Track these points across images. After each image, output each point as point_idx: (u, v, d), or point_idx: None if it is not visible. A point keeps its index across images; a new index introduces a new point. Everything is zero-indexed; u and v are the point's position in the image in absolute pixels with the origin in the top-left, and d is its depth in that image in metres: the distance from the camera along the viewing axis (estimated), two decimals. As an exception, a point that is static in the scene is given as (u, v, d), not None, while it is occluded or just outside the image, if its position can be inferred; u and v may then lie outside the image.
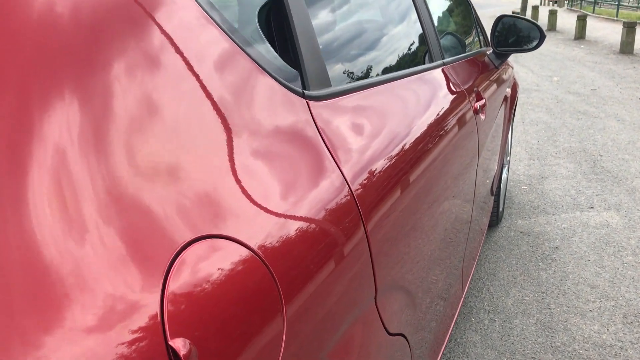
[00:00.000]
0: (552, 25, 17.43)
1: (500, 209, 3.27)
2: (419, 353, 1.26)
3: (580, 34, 14.45)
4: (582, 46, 12.97)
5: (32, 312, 0.42)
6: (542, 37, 2.37)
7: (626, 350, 2.16)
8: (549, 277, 2.74)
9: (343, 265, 0.80)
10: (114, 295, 0.47)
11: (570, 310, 2.44)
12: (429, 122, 1.30)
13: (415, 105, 1.30)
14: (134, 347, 0.47)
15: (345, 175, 0.87)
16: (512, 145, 4.94)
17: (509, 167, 3.55)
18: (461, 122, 1.56)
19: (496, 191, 2.93)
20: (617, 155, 4.64)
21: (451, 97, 1.56)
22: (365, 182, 0.92)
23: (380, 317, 0.92)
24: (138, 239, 0.51)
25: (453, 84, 1.65)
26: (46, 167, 0.47)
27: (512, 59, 9.39)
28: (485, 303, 2.53)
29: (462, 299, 1.96)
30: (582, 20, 14.47)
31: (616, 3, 20.97)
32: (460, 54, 2.06)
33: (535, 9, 21.00)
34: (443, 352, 1.67)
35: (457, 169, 1.50)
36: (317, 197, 0.78)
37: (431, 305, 1.38)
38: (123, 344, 0.46)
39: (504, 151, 2.97)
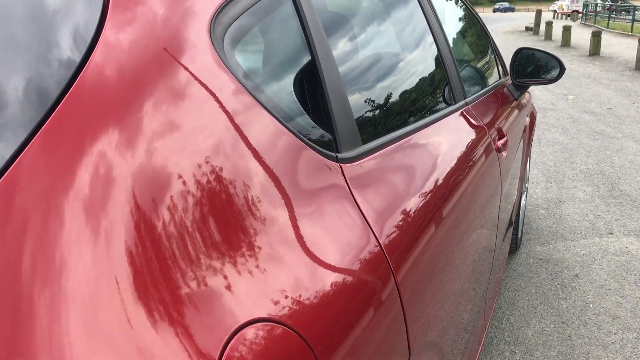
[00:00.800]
0: (566, 41, 17.39)
1: (519, 235, 3.26)
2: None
3: (595, 50, 14.41)
4: (597, 62, 12.92)
5: None
6: (562, 70, 2.38)
7: (650, 385, 2.14)
8: (569, 307, 2.72)
9: (375, 330, 0.81)
10: None
11: (592, 342, 2.43)
12: (452, 167, 1.32)
13: (439, 151, 1.31)
14: None
15: (375, 233, 0.88)
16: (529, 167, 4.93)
17: (527, 194, 3.54)
18: (484, 162, 1.57)
19: (515, 219, 2.93)
20: (635, 178, 4.61)
21: (473, 137, 1.58)
22: (394, 237, 0.93)
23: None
24: (193, 323, 0.53)
25: (475, 124, 1.66)
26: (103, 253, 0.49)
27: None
28: (506, 334, 2.52)
29: (486, 330, 1.96)
30: (596, 36, 14.43)
31: (631, 17, 20.89)
32: (480, 88, 2.07)
33: (549, 24, 20.97)
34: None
35: (479, 208, 1.51)
36: (350, 263, 0.80)
37: (457, 339, 1.39)
38: None
39: (523, 179, 2.97)
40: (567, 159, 5.28)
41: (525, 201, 3.45)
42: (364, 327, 0.78)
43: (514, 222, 2.95)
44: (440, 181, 1.21)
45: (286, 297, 0.66)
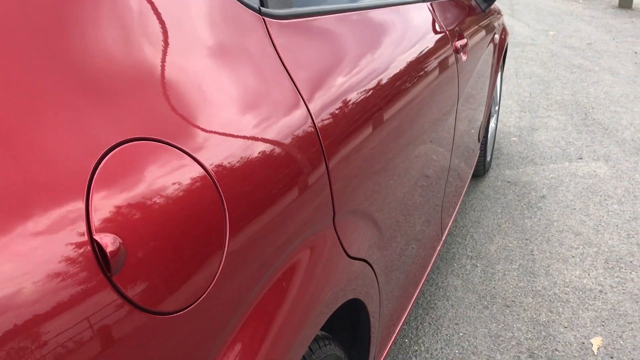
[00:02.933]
0: (551, -20, 17.08)
1: (488, 159, 3.25)
2: (390, 288, 1.26)
3: (579, -12, 14.17)
4: (580, 1, 12.74)
5: None
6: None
7: (605, 293, 2.17)
8: (533, 225, 2.74)
9: (298, 194, 0.78)
10: (37, 195, 0.45)
11: (553, 257, 2.46)
12: (406, 58, 1.26)
13: (391, 38, 1.26)
14: (57, 244, 0.45)
15: (306, 103, 0.84)
16: (504, 98, 4.89)
17: (497, 117, 3.52)
18: (440, 60, 1.52)
19: (482, 141, 2.91)
20: (609, 108, 4.60)
21: (431, 34, 1.52)
22: (329, 115, 0.89)
23: (339, 239, 0.91)
24: (65, 136, 0.49)
25: (434, 21, 1.60)
26: None
27: (508, 12, 9.12)
28: (468, 249, 2.54)
29: (441, 244, 1.96)
30: (581, -26, 14.17)
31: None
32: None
33: (535, -37, 20.54)
34: (419, 293, 1.68)
35: (435, 112, 1.46)
36: (275, 123, 0.75)
37: (406, 247, 1.37)
38: (47, 242, 0.44)
39: (491, 100, 2.93)
40: (543, 90, 5.25)
41: (496, 125, 3.43)
42: (284, 198, 0.74)
43: (482, 144, 2.93)
44: (389, 67, 1.15)
45: (200, 138, 0.62)
